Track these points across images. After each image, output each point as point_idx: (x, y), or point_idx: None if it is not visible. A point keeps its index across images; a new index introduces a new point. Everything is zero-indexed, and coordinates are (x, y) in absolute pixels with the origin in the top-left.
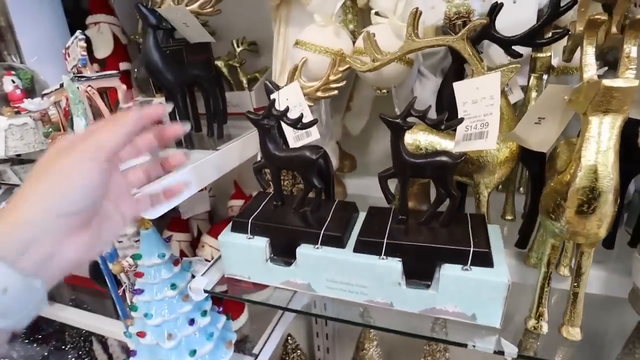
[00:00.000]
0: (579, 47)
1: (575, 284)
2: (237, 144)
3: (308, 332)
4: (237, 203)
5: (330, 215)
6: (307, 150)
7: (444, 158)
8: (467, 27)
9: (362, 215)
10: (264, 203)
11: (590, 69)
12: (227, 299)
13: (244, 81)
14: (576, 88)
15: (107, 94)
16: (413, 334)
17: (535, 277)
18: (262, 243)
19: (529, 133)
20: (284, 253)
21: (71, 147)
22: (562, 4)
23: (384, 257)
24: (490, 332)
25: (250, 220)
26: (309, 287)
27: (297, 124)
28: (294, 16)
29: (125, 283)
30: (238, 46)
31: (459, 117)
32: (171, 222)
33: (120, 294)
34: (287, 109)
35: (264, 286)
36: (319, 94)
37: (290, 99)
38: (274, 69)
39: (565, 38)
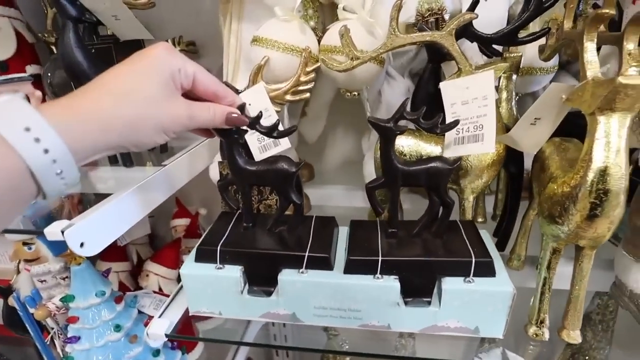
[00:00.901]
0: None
1: (577, 287)
2: (184, 157)
3: (267, 352)
4: (181, 222)
5: (311, 234)
6: (282, 162)
7: (438, 164)
8: (455, 21)
9: (342, 231)
10: (231, 225)
11: (594, 66)
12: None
13: None
14: (579, 87)
15: None
16: (405, 357)
17: (519, 279)
18: (235, 273)
19: (523, 135)
20: (261, 282)
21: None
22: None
23: (380, 276)
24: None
25: (219, 248)
26: (294, 317)
27: (273, 132)
28: (248, 10)
29: (52, 329)
30: (175, 46)
31: (447, 119)
32: (105, 251)
33: (48, 342)
34: (260, 115)
35: None
36: (288, 97)
37: (255, 103)
38: (225, 70)
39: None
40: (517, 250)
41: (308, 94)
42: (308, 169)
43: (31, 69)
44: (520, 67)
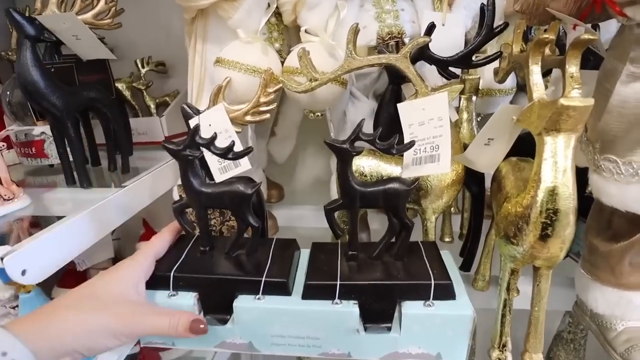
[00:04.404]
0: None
1: (536, 309)
2: (147, 178)
3: None
4: None
5: (270, 258)
6: (239, 183)
7: (396, 185)
8: (409, 45)
9: (304, 253)
10: (187, 249)
11: (539, 88)
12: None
13: (152, 106)
14: (526, 108)
15: None
16: None
17: (484, 300)
18: (189, 300)
19: (478, 155)
20: (217, 309)
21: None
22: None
23: (338, 301)
24: None
25: (172, 274)
26: (251, 346)
27: (228, 153)
28: (212, 31)
29: None
30: (143, 66)
31: (405, 139)
32: (63, 276)
33: None
34: (214, 137)
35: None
36: (248, 117)
37: (214, 124)
38: (189, 91)
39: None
40: (481, 270)
41: (268, 115)
42: (277, 190)
43: None
44: (480, 88)
